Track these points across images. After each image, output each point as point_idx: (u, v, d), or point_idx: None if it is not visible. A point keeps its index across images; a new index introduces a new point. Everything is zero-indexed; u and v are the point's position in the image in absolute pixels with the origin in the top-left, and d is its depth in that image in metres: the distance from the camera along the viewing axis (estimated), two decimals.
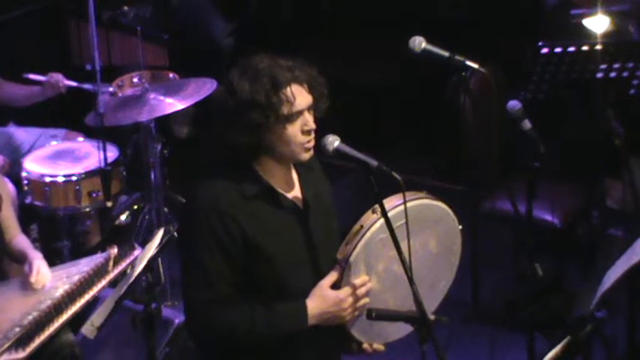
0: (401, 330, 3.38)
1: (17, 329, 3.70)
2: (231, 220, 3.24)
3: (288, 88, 3.22)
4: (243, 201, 3.27)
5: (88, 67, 5.21)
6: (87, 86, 5.21)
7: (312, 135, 3.28)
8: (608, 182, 5.17)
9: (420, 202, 3.36)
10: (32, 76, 5.31)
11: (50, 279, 3.97)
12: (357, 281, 3.28)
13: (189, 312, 3.33)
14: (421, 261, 3.37)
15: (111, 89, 5.23)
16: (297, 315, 3.28)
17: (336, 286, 3.29)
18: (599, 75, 4.39)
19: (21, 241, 4.18)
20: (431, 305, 3.45)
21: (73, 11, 6.09)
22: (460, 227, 3.47)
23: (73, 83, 5.34)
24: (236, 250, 3.24)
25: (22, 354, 3.64)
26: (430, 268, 3.43)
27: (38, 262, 3.98)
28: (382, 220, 3.21)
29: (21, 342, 3.67)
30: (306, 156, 3.29)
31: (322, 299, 3.29)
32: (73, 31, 6.17)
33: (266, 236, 3.28)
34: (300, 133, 3.25)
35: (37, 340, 3.70)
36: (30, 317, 3.76)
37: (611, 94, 4.44)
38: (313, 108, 3.30)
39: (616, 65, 4.39)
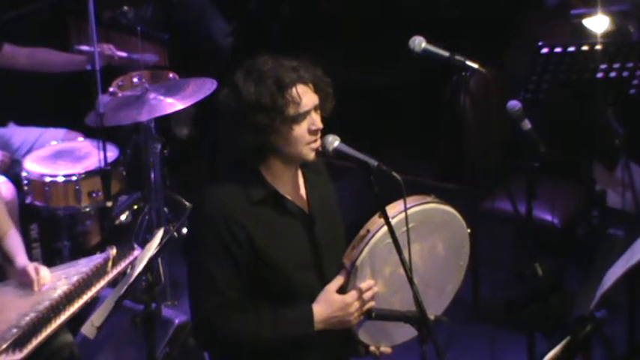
0: (408, 332, 3.38)
1: (15, 330, 3.70)
2: (238, 225, 3.24)
3: (294, 89, 3.22)
4: (250, 206, 3.27)
5: (88, 67, 5.22)
6: (136, 56, 5.33)
7: (319, 134, 3.28)
8: (600, 171, 5.17)
9: (428, 207, 3.36)
10: (83, 47, 5.33)
11: (49, 278, 3.96)
12: (363, 285, 3.28)
13: (196, 319, 3.33)
14: (429, 264, 3.38)
15: (112, 89, 5.23)
16: (304, 320, 3.28)
17: (342, 290, 3.29)
18: (599, 75, 4.39)
19: (13, 240, 4.13)
20: (439, 308, 3.46)
21: (74, 11, 6.08)
22: (469, 231, 3.47)
23: (124, 54, 5.42)
24: (242, 256, 3.25)
25: (19, 355, 3.64)
26: (438, 271, 3.43)
27: (36, 266, 3.96)
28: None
29: (19, 343, 3.66)
30: (313, 155, 3.29)
31: (329, 303, 3.29)
32: (73, 31, 6.17)
33: (272, 241, 3.28)
34: (307, 133, 3.25)
35: (35, 342, 3.70)
36: (28, 318, 3.75)
37: (611, 94, 4.44)
38: (319, 107, 3.30)
39: (616, 65, 4.39)
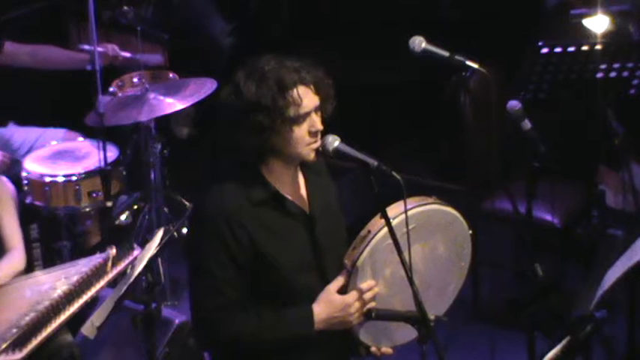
0: (409, 333, 3.37)
1: (14, 330, 3.69)
2: (238, 225, 3.24)
3: (295, 90, 3.22)
4: (251, 206, 3.27)
5: (88, 67, 5.22)
6: (139, 56, 5.35)
7: (319, 135, 3.28)
8: (602, 170, 5.16)
9: (429, 208, 3.37)
10: (86, 47, 5.35)
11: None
12: (363, 285, 3.28)
13: (196, 318, 3.34)
14: (430, 265, 3.38)
15: (112, 89, 5.24)
16: (304, 320, 3.29)
17: (343, 290, 3.30)
18: (599, 75, 4.39)
19: (9, 260, 4.16)
20: (440, 309, 3.47)
21: (74, 11, 6.08)
22: (470, 232, 3.47)
23: (128, 54, 5.43)
24: (243, 256, 3.25)
25: (19, 355, 3.64)
26: (439, 272, 3.43)
27: None
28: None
29: (19, 343, 3.66)
30: (313, 155, 3.29)
31: (329, 304, 3.29)
32: (73, 31, 6.17)
33: (273, 242, 3.29)
34: (307, 134, 3.26)
35: (35, 341, 3.69)
36: (27, 318, 3.75)
37: (611, 94, 4.44)
38: (320, 109, 3.30)
39: (616, 65, 4.39)
